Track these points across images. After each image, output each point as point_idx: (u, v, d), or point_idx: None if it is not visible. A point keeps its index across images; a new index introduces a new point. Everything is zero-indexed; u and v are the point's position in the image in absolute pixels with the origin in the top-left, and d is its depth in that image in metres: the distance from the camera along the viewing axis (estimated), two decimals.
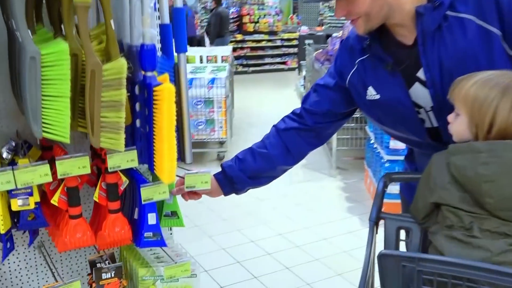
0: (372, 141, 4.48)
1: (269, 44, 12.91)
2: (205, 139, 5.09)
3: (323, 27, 13.08)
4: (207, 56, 5.73)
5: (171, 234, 1.89)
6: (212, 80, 4.99)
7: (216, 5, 10.16)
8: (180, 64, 1.51)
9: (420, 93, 1.36)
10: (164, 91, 1.29)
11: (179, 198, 1.64)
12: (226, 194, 1.68)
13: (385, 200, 4.25)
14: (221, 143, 5.37)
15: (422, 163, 1.57)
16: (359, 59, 1.45)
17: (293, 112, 1.65)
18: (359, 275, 1.30)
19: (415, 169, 1.64)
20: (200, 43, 10.13)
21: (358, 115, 4.97)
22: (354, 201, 4.34)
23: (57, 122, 1.21)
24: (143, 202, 1.44)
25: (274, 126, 1.68)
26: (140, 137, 1.44)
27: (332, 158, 5.10)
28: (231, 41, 12.08)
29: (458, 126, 1.22)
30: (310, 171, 5.10)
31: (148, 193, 1.45)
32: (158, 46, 1.61)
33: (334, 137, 4.82)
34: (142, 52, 1.35)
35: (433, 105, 1.35)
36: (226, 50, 6.29)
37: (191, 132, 5.14)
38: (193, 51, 5.98)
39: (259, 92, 10.03)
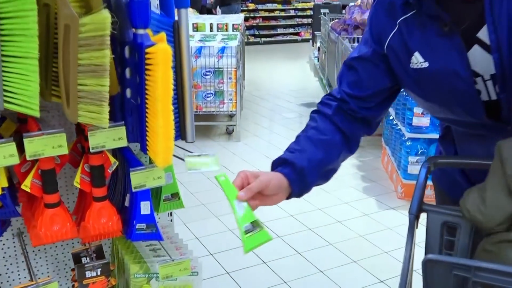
0: (391, 117, 4.20)
1: (282, 14, 12.49)
2: (213, 111, 4.82)
3: None
4: (218, 24, 5.42)
5: (171, 220, 1.65)
6: (222, 49, 4.69)
7: None
8: (180, 21, 1.24)
9: (478, 58, 1.09)
10: (159, 53, 1.03)
11: (180, 175, 1.37)
12: (292, 195, 1.22)
13: (405, 181, 3.90)
14: (231, 117, 5.10)
15: (466, 147, 1.30)
16: (401, 18, 1.16)
17: (332, 96, 1.33)
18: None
19: (455, 153, 1.37)
20: (210, 12, 9.75)
21: None
22: (370, 180, 4.08)
23: (22, 89, 0.97)
24: (133, 190, 1.20)
25: (316, 111, 1.34)
26: (131, 110, 1.18)
27: None
28: (243, 10, 11.68)
29: None
30: None
31: (139, 179, 1.20)
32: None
33: None
34: (131, 4, 1.08)
35: (495, 72, 1.08)
36: (237, 18, 5.96)
37: (199, 104, 4.87)
38: (203, 19, 5.66)
39: (271, 64, 9.69)
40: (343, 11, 8.00)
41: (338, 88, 1.32)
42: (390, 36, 1.19)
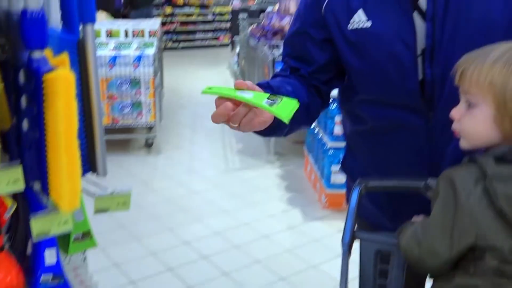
0: (313, 125, 4.20)
1: (201, 18, 12.33)
2: (131, 124, 4.58)
3: (255, 1, 12.69)
4: (133, 30, 5.16)
5: (84, 260, 1.46)
6: (139, 58, 4.47)
7: None
8: (86, 39, 1.08)
9: (417, 27, 1.06)
10: (58, 80, 0.87)
11: None
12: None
13: (329, 191, 3.88)
14: (150, 128, 4.88)
15: (379, 156, 1.24)
16: None
17: (283, 70, 1.26)
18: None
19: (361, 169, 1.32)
20: (125, 16, 9.39)
21: None
22: (294, 190, 4.05)
23: None
24: (34, 240, 1.01)
25: (275, 76, 1.25)
26: (30, 144, 1.00)
27: (270, 142, 4.79)
28: (159, 15, 11.40)
29: (476, 122, 0.91)
30: (247, 157, 4.77)
31: (42, 225, 1.02)
32: (55, 13, 1.15)
33: None
34: (24, 21, 0.90)
35: (426, 46, 1.05)
36: (154, 24, 5.73)
37: (115, 117, 4.61)
38: (117, 25, 5.38)
39: (190, 70, 9.51)
40: (262, 15, 8.01)
41: (284, 65, 1.25)
42: None
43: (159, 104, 4.96)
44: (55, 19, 1.07)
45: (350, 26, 1.11)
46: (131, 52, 4.55)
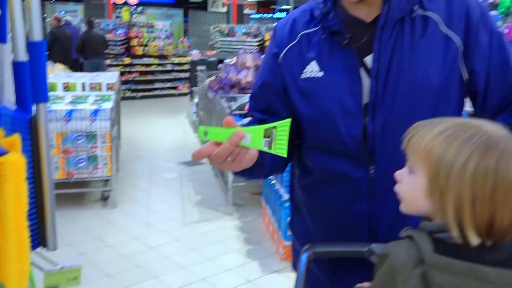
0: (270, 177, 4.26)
1: (160, 68, 12.44)
2: (86, 178, 4.52)
3: (214, 52, 12.94)
4: (91, 84, 5.18)
5: None
6: (95, 112, 4.47)
7: (89, 28, 9.54)
8: (38, 118, 1.10)
9: (363, 82, 1.17)
10: (8, 165, 0.89)
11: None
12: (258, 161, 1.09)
13: (286, 243, 3.88)
14: (106, 181, 4.83)
15: (319, 210, 1.29)
16: (303, 32, 1.24)
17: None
18: None
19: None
20: (83, 68, 9.41)
21: None
22: (252, 243, 4.05)
23: None
24: None
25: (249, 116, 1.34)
26: None
27: (228, 193, 4.81)
28: (118, 65, 11.45)
29: (413, 188, 0.93)
30: (206, 209, 4.76)
31: None
32: (9, 93, 1.18)
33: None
34: None
35: (369, 101, 1.15)
36: (112, 77, 5.77)
37: (70, 171, 4.54)
38: (74, 78, 5.40)
39: (149, 120, 9.51)
40: (219, 65, 8.16)
41: (251, 119, 1.32)
42: (288, 47, 1.25)
43: (116, 156, 4.94)
44: (8, 99, 1.10)
45: (303, 76, 1.21)
46: (88, 106, 4.55)
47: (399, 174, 0.97)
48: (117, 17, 14.91)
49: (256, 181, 4.84)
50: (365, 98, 1.16)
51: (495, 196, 0.83)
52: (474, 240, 0.84)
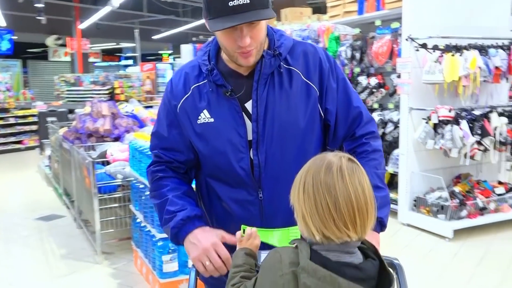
0: (139, 220, 4.33)
1: (2, 122, 11.62)
2: None
3: (61, 102, 12.46)
4: None
5: None
6: None
7: None
8: None
9: (246, 123, 1.48)
10: None
11: None
12: None
13: (163, 280, 3.99)
14: None
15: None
16: (194, 85, 1.51)
17: (158, 161, 1.60)
18: None
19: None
20: None
21: (119, 195, 4.79)
22: (127, 287, 4.07)
23: None
24: None
25: (159, 178, 1.58)
26: None
27: (95, 243, 4.73)
28: None
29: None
30: (73, 261, 4.61)
31: None
32: None
33: (97, 220, 4.50)
34: None
35: (252, 139, 1.46)
36: None
37: None
38: None
39: None
40: (70, 115, 7.91)
41: (156, 155, 1.58)
42: (183, 99, 1.51)
43: None
44: None
45: (199, 121, 1.49)
46: None
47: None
48: None
49: (124, 226, 4.86)
50: (249, 136, 1.46)
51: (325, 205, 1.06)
52: (318, 238, 1.08)
